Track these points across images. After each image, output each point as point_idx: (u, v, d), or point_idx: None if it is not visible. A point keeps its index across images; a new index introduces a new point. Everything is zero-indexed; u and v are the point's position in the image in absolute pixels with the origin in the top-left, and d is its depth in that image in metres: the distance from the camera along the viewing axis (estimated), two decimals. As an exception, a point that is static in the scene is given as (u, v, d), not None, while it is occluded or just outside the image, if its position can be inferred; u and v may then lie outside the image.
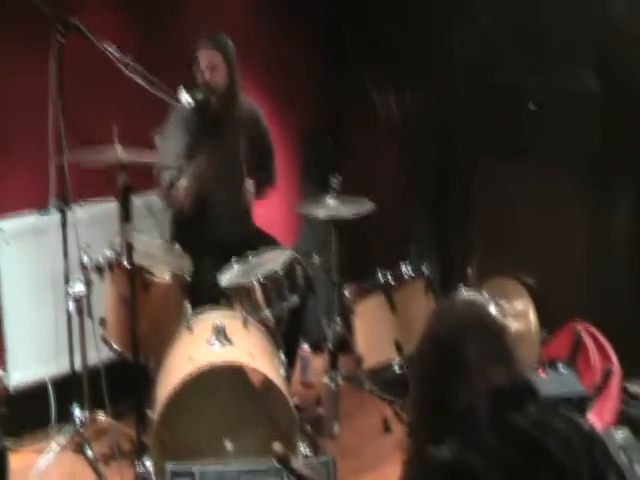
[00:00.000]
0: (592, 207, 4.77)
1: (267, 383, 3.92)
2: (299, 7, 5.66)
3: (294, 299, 4.44)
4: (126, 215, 3.91)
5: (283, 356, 4.33)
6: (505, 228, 5.13)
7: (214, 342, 4.00)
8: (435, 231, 5.58)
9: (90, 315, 4.45)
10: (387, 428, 4.78)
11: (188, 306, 4.23)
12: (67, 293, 4.44)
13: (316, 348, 5.35)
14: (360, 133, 5.76)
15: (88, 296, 4.42)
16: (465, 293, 4.44)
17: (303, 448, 4.04)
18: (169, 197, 4.67)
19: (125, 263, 4.05)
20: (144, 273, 4.24)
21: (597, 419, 4.14)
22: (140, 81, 4.28)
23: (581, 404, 3.87)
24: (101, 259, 4.37)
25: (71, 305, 4.44)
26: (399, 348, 4.47)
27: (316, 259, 5.17)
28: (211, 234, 4.76)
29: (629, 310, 4.54)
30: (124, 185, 3.91)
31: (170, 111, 4.70)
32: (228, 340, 4.01)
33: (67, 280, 4.47)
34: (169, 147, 4.66)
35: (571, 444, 2.19)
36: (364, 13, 5.67)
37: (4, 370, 4.69)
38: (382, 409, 4.89)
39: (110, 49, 4.29)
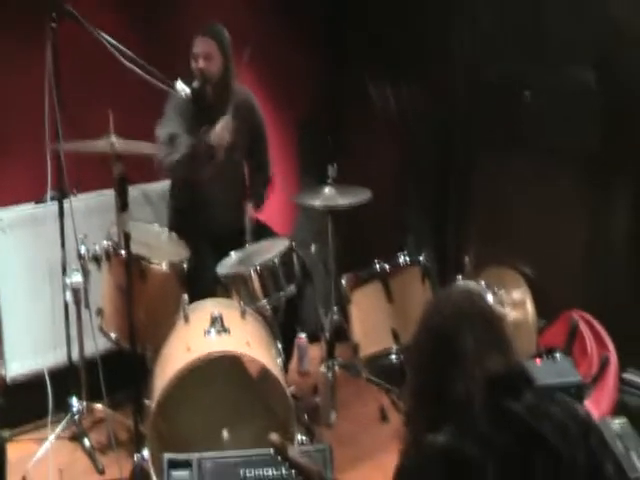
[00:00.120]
0: (591, 205, 4.78)
1: (264, 372, 3.92)
2: (299, 7, 5.66)
3: (291, 288, 4.45)
4: (123, 205, 3.90)
5: (280, 345, 4.33)
6: (504, 225, 5.13)
7: (211, 331, 4.00)
8: (433, 221, 5.57)
9: (87, 305, 4.45)
10: (384, 417, 4.80)
11: (185, 295, 4.23)
12: (64, 283, 4.44)
13: (313, 337, 5.36)
14: (360, 133, 5.76)
15: (85, 286, 4.42)
16: (462, 282, 4.45)
17: (300, 437, 4.04)
18: (168, 159, 4.64)
19: (122, 252, 4.05)
20: (141, 262, 4.24)
21: (594, 408, 4.15)
22: (136, 70, 4.27)
23: (578, 393, 3.87)
24: (98, 249, 4.37)
25: (68, 295, 4.44)
26: (396, 337, 4.48)
27: (313, 248, 5.16)
28: (208, 223, 4.76)
29: (626, 299, 4.54)
30: (120, 175, 3.91)
31: (166, 100, 4.69)
32: (225, 329, 4.01)
33: (64, 270, 4.48)
34: (167, 130, 4.66)
35: (567, 431, 2.19)
36: (364, 13, 5.66)
37: (1, 360, 4.69)
38: (379, 398, 4.90)
39: (105, 37, 4.29)
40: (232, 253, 4.59)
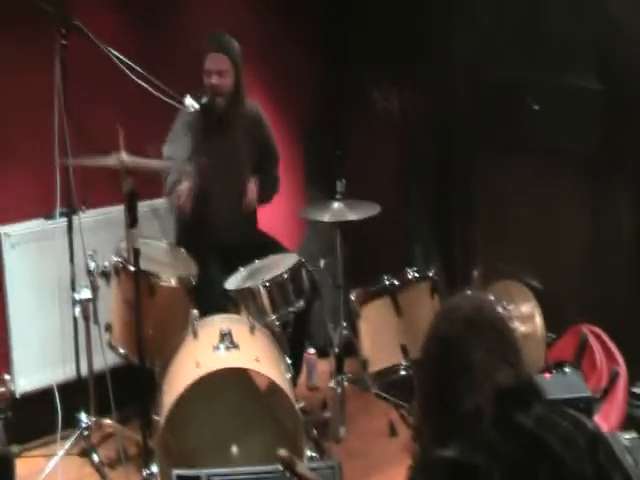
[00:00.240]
0: (593, 207, 4.76)
1: (273, 388, 3.92)
2: (299, 7, 5.66)
3: (300, 303, 4.45)
4: (132, 220, 3.91)
5: (289, 360, 4.33)
6: (508, 229, 5.12)
7: (220, 347, 4.00)
8: (439, 234, 5.57)
9: (96, 321, 4.45)
10: (393, 431, 4.78)
11: (195, 311, 4.23)
12: (73, 299, 4.45)
13: (322, 352, 5.35)
14: (360, 133, 5.76)
15: (94, 302, 4.43)
16: (471, 295, 4.44)
17: (309, 452, 4.04)
18: (171, 200, 4.67)
19: (131, 268, 4.05)
20: (150, 278, 4.25)
21: (603, 422, 4.13)
22: (144, 85, 4.29)
23: (587, 407, 3.86)
24: (107, 265, 4.38)
25: (77, 311, 4.45)
26: (405, 352, 4.47)
27: (322, 263, 5.17)
28: (216, 238, 4.76)
29: (635, 312, 4.53)
30: (130, 190, 3.91)
31: (176, 114, 4.70)
32: (234, 345, 4.00)
33: (73, 286, 4.49)
34: (175, 152, 4.66)
35: (575, 444, 2.19)
36: (364, 13, 5.66)
37: (10, 375, 4.69)
38: (388, 412, 4.89)
39: (114, 52, 4.31)
40: (241, 268, 4.59)
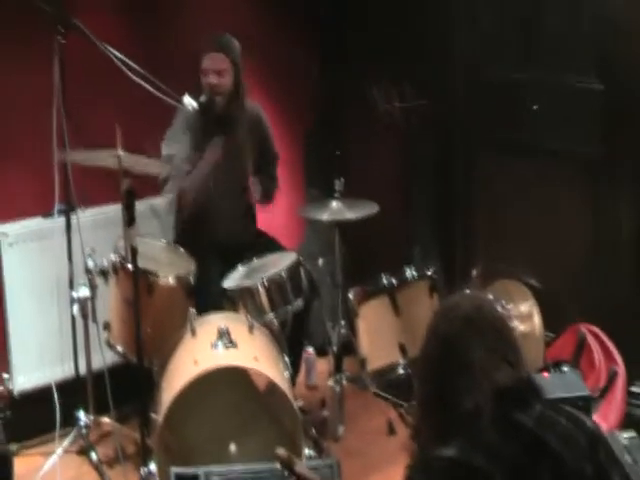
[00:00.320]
0: (593, 207, 4.76)
1: (272, 386, 3.92)
2: (299, 7, 5.66)
3: (298, 302, 4.45)
4: (130, 219, 3.91)
5: (287, 359, 4.33)
6: (507, 229, 5.12)
7: (218, 345, 3.99)
8: (438, 234, 5.57)
9: (94, 319, 4.45)
10: (392, 430, 4.78)
11: (193, 309, 4.23)
12: (72, 297, 4.45)
13: (320, 351, 5.35)
14: (360, 133, 5.76)
15: (92, 300, 4.43)
16: (470, 294, 4.43)
17: (308, 450, 4.04)
18: (166, 194, 4.66)
19: (129, 266, 4.05)
20: (148, 276, 4.25)
21: (602, 421, 4.14)
22: (143, 84, 4.29)
23: (586, 406, 3.86)
24: (105, 263, 4.38)
25: (76, 309, 4.44)
26: (403, 351, 4.47)
27: (320, 262, 5.16)
28: (214, 236, 4.76)
29: (634, 311, 4.53)
30: (128, 189, 3.91)
31: (174, 114, 4.70)
32: (232, 343, 4.00)
33: (71, 284, 4.48)
34: (174, 150, 4.66)
35: (575, 443, 2.19)
36: (364, 13, 5.66)
37: (9, 374, 4.69)
38: (386, 411, 4.89)
39: (113, 51, 4.31)
40: (239, 267, 4.59)
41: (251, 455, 3.87)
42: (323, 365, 5.25)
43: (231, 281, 4.50)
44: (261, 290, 4.36)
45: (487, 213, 5.30)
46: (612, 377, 4.39)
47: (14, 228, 4.70)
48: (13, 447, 4.27)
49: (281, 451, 2.64)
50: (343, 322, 4.87)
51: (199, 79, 4.65)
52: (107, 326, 4.42)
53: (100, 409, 4.57)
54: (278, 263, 4.53)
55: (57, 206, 4.56)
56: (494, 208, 5.22)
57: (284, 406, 3.94)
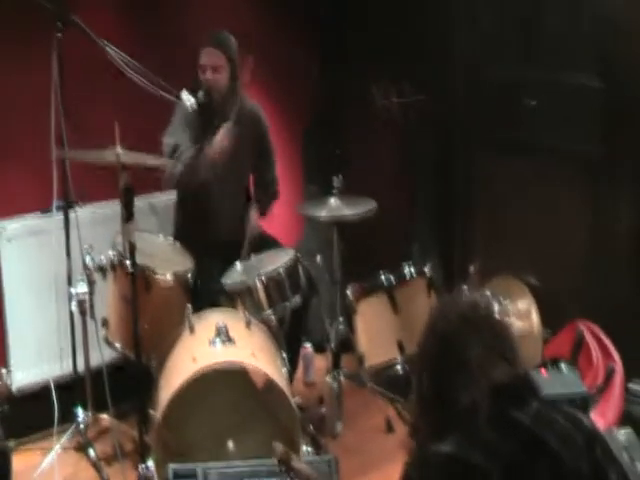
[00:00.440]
0: (593, 206, 4.77)
1: (269, 383, 3.92)
2: (299, 7, 5.66)
3: (296, 299, 4.46)
4: (128, 215, 3.91)
5: (285, 355, 4.33)
6: (507, 227, 5.12)
7: (216, 342, 4.00)
8: (437, 231, 5.57)
9: (92, 316, 4.45)
10: (390, 427, 4.79)
11: (190, 305, 4.23)
12: (70, 293, 4.45)
13: (318, 348, 5.35)
14: (360, 132, 5.76)
15: (91, 296, 4.42)
16: (467, 292, 4.44)
17: (306, 447, 4.04)
18: (172, 170, 4.65)
19: (127, 263, 4.05)
20: (146, 272, 4.25)
21: (600, 418, 4.14)
22: (142, 80, 4.29)
23: (583, 403, 3.86)
24: (103, 259, 4.38)
25: (74, 305, 4.44)
26: (401, 348, 4.48)
27: (319, 259, 5.16)
28: (213, 234, 4.76)
29: (631, 309, 4.54)
30: (126, 185, 3.92)
31: (173, 110, 4.70)
32: (230, 340, 4.00)
33: (70, 280, 4.48)
34: (179, 140, 4.66)
35: (572, 441, 2.19)
36: (364, 13, 5.66)
37: (7, 370, 4.69)
38: (384, 408, 4.90)
39: (111, 48, 4.31)
40: (237, 263, 4.59)
41: (249, 452, 3.86)
42: (321, 362, 5.25)
43: (229, 278, 4.50)
44: (259, 287, 4.36)
45: (486, 211, 5.30)
46: (610, 374, 4.39)
47: (12, 224, 4.70)
48: (11, 444, 4.25)
49: (279, 446, 2.64)
50: (341, 319, 4.87)
51: (197, 75, 4.66)
52: (105, 323, 4.42)
53: (98, 406, 4.56)
54: (276, 260, 4.53)
55: (55, 202, 4.56)
56: (493, 207, 5.22)
57: (282, 403, 3.94)
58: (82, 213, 4.63)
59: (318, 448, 4.40)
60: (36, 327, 4.73)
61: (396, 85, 5.47)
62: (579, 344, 4.54)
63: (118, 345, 4.37)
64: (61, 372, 4.72)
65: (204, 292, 4.47)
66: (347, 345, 4.84)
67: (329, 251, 5.00)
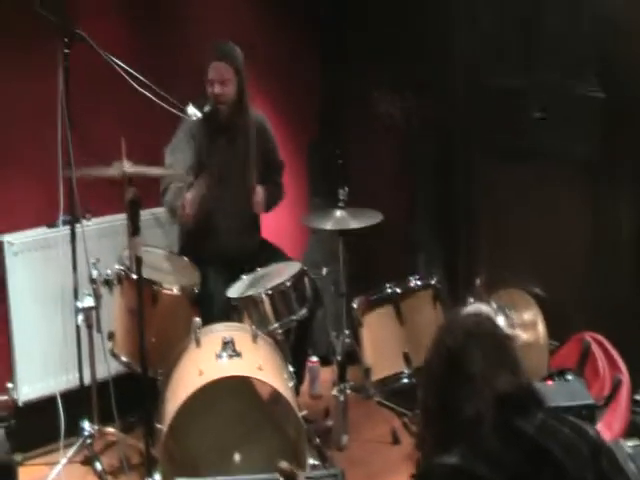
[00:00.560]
0: (595, 212, 4.75)
1: (276, 396, 3.92)
2: (299, 7, 5.67)
3: (303, 312, 4.45)
4: (134, 229, 3.92)
5: (291, 368, 4.33)
6: (510, 236, 5.11)
7: (223, 355, 4.00)
8: (442, 242, 5.56)
9: (99, 329, 4.46)
10: (396, 439, 4.78)
11: (197, 319, 4.23)
12: (76, 307, 4.45)
13: (324, 360, 5.34)
14: (361, 134, 5.76)
15: (97, 310, 4.43)
16: (473, 304, 4.44)
17: (312, 460, 4.04)
18: (170, 206, 4.67)
19: (134, 276, 4.06)
20: (153, 286, 4.26)
21: (606, 429, 4.13)
22: (147, 94, 4.30)
23: (590, 414, 3.85)
24: (110, 273, 4.39)
25: (80, 319, 4.45)
26: (407, 360, 4.47)
27: (324, 271, 5.16)
28: (219, 247, 4.76)
29: (637, 315, 4.52)
30: (132, 199, 3.93)
31: (178, 123, 4.71)
32: (237, 353, 4.00)
33: (76, 294, 4.49)
34: (176, 160, 4.67)
35: (577, 451, 2.19)
36: (364, 13, 5.66)
37: (13, 384, 4.69)
38: (390, 420, 4.90)
39: (116, 61, 4.33)
40: (243, 276, 4.60)
41: (255, 465, 3.87)
42: (327, 374, 5.24)
43: (235, 291, 4.50)
44: (265, 300, 4.36)
45: (490, 220, 5.28)
46: (616, 385, 4.38)
47: (19, 237, 4.70)
48: (18, 457, 4.25)
49: (284, 464, 2.64)
50: (347, 331, 4.86)
51: (205, 89, 4.67)
52: (111, 336, 4.43)
53: (105, 419, 4.57)
54: (282, 272, 4.54)
55: (62, 216, 4.58)
56: (496, 215, 5.20)
57: (288, 415, 3.94)
58: (88, 227, 4.65)
59: (324, 460, 4.40)
60: (42, 341, 4.74)
61: (396, 87, 5.46)
62: (585, 355, 4.52)
63: (124, 358, 4.38)
64: (67, 385, 4.73)
65: (209, 304, 4.47)
66: (353, 357, 4.82)
67: (334, 263, 5.00)
